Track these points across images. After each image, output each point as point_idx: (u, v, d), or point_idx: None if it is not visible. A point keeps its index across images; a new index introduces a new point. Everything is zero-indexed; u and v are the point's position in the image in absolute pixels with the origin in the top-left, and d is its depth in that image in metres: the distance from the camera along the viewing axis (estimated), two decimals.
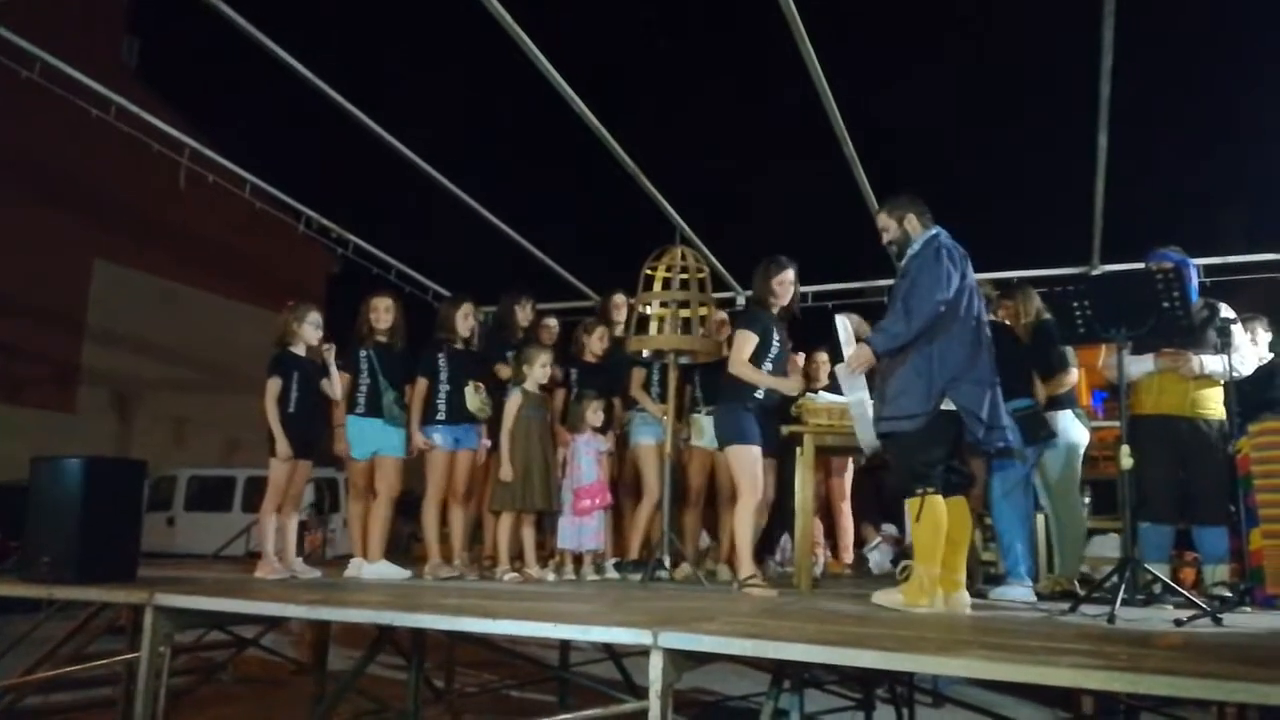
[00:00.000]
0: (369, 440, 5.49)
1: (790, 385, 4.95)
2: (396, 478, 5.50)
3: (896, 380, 4.04)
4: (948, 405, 3.94)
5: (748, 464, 4.75)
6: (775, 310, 5.06)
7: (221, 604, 3.89)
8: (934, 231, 4.18)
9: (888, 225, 4.29)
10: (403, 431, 5.52)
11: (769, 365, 4.92)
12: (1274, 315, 5.33)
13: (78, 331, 17.94)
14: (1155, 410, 4.79)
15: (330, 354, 5.48)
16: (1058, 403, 5.09)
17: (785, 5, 5.60)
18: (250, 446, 14.86)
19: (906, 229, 4.21)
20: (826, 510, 6.62)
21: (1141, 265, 4.86)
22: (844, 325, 4.36)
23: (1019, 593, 4.70)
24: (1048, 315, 5.28)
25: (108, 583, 4.20)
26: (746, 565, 4.78)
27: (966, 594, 4.06)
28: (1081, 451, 5.26)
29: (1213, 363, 4.66)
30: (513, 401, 5.45)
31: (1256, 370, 4.92)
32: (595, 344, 6.19)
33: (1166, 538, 4.85)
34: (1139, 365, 4.77)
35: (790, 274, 5.05)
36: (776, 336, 4.95)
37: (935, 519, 3.91)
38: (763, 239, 4.97)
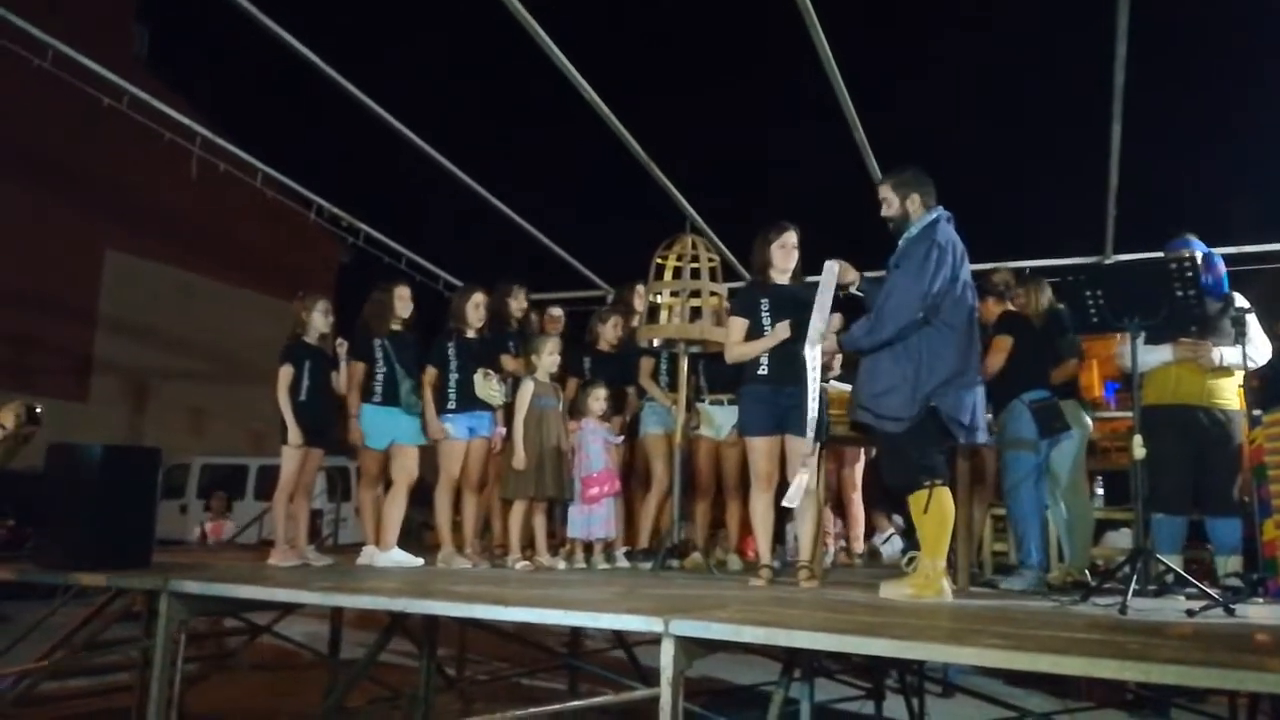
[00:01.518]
0: (386, 429, 5.48)
1: (777, 335, 4.55)
2: (415, 466, 5.51)
3: (880, 375, 4.02)
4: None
5: (752, 455, 4.65)
6: (775, 280, 4.75)
7: (235, 590, 3.92)
8: (934, 216, 4.09)
9: (889, 199, 4.18)
10: (418, 419, 5.53)
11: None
12: None
13: (90, 321, 18.02)
14: (1173, 400, 4.73)
15: (343, 349, 5.49)
16: (1060, 393, 5.08)
17: None
18: (266, 436, 14.94)
19: (909, 208, 4.13)
20: (838, 500, 6.63)
21: (1152, 254, 4.84)
22: (829, 269, 4.32)
23: (1030, 583, 4.70)
24: (1060, 305, 5.27)
25: (123, 569, 4.24)
26: (764, 554, 4.72)
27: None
28: (1086, 442, 5.26)
29: (1232, 354, 4.64)
30: (525, 390, 5.45)
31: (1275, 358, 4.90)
32: (610, 332, 6.19)
33: (1180, 529, 4.82)
34: (1156, 354, 4.72)
35: (792, 237, 4.73)
36: (767, 308, 4.65)
37: (942, 511, 3.91)
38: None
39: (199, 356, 19.15)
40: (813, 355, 4.22)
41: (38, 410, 3.78)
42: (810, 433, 4.23)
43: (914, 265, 3.97)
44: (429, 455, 5.67)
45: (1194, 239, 4.84)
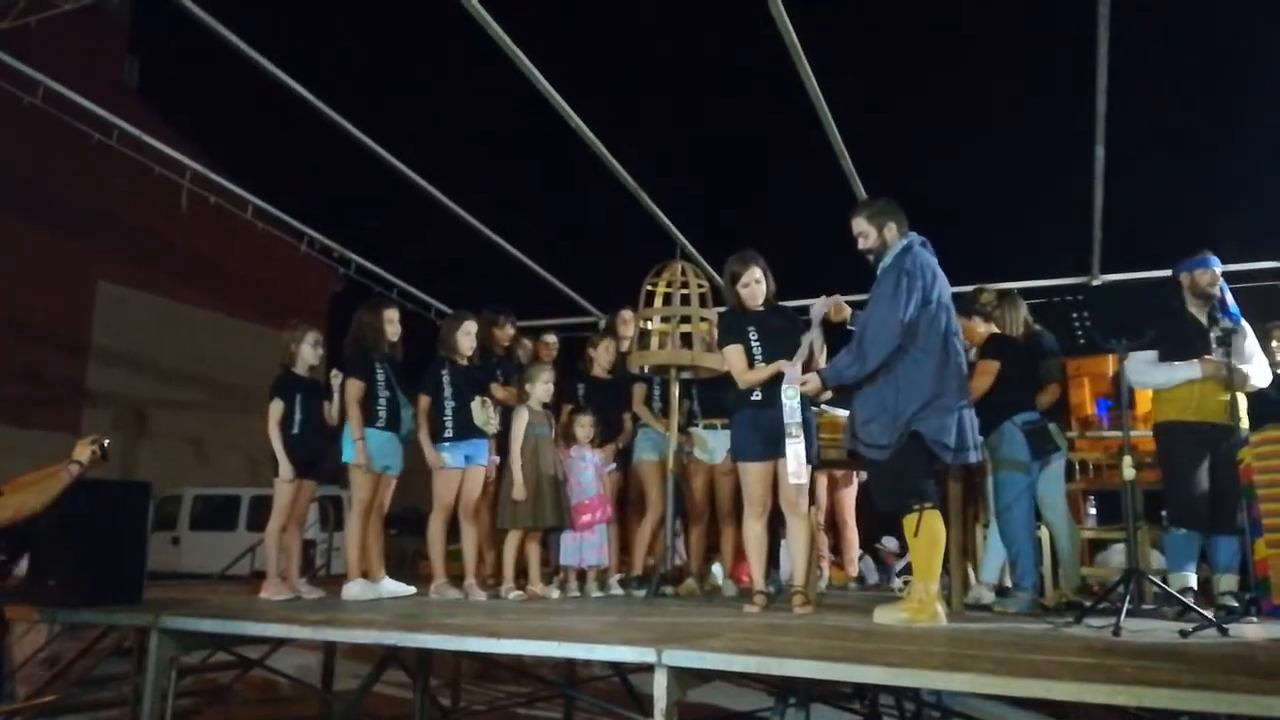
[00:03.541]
0: (384, 455, 5.37)
1: (780, 368, 4.41)
2: (369, 492, 5.31)
3: (863, 404, 4.05)
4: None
5: (746, 481, 4.61)
6: (752, 309, 4.68)
7: (226, 626, 3.89)
8: (905, 243, 4.11)
9: (866, 232, 4.20)
10: (402, 447, 5.48)
11: (760, 364, 4.59)
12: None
13: (82, 352, 17.99)
14: (1196, 417, 4.71)
15: (336, 380, 5.43)
16: (1045, 415, 5.09)
17: (781, 23, 5.64)
18: (262, 465, 14.87)
19: (885, 237, 4.16)
20: (832, 523, 6.62)
21: (1139, 275, 4.88)
22: (817, 311, 4.37)
23: (1024, 604, 4.69)
24: (1037, 326, 5.30)
25: (113, 605, 4.20)
26: (758, 580, 4.68)
27: None
28: (1065, 463, 5.32)
29: (1257, 372, 4.69)
30: (519, 420, 5.43)
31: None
32: (601, 356, 6.19)
33: (1196, 544, 4.80)
34: (1184, 371, 4.71)
35: (755, 273, 4.65)
36: (755, 336, 4.59)
37: (933, 534, 3.91)
38: (762, 253, 4.85)
39: (192, 386, 19.12)
40: (791, 376, 4.24)
41: (107, 444, 3.81)
42: (793, 461, 4.21)
43: (886, 294, 3.99)
44: (426, 483, 5.61)
45: (1212, 256, 4.87)
